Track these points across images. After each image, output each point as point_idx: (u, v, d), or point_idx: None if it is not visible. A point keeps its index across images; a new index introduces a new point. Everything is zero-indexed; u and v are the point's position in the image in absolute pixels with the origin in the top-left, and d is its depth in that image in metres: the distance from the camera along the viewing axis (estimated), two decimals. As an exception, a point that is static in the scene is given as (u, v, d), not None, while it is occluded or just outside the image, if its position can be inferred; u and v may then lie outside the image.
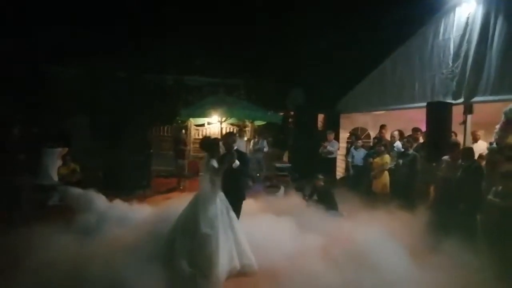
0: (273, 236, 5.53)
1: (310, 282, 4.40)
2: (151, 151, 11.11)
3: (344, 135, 11.77)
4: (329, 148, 10.51)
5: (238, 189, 5.37)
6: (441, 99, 7.43)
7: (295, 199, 8.21)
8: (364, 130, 11.87)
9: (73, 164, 8.44)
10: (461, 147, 6.37)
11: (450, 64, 7.31)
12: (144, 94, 12.44)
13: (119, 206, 7.13)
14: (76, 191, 7.49)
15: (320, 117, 12.76)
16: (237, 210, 5.22)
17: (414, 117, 8.74)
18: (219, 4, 15.52)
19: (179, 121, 12.04)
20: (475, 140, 7.23)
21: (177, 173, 10.81)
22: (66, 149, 8.99)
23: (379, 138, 9.42)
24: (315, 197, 7.93)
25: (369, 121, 11.32)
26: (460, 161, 5.89)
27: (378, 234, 5.58)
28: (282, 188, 9.23)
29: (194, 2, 15.54)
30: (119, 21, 13.68)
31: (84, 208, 6.84)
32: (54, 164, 8.56)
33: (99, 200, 7.15)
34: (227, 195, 4.95)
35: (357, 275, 4.48)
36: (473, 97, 6.75)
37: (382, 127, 9.70)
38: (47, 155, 8.75)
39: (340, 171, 11.49)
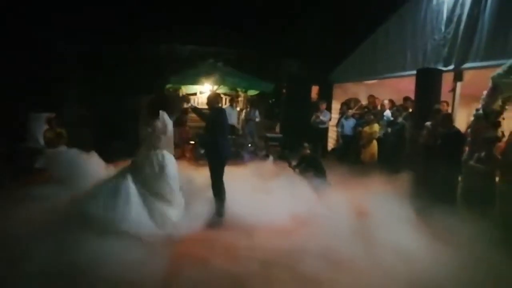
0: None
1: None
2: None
3: (337, 105, 11.63)
4: (321, 117, 10.44)
5: (214, 149, 5.28)
6: (432, 66, 7.26)
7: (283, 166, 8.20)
8: (357, 101, 11.71)
9: (59, 128, 8.33)
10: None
11: (443, 29, 7.09)
12: (135, 62, 12.24)
13: (105, 171, 7.14)
14: (62, 155, 7.43)
15: (315, 89, 12.60)
16: (214, 171, 5.18)
17: (407, 87, 8.55)
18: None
19: (171, 89, 11.86)
20: None
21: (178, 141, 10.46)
22: (53, 114, 8.87)
23: (369, 108, 9.34)
24: (303, 165, 7.88)
25: (362, 92, 11.15)
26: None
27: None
28: (271, 157, 9.18)
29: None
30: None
31: (69, 171, 6.83)
32: (41, 129, 8.47)
33: (84, 163, 7.11)
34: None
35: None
36: (464, 64, 6.58)
37: (370, 97, 9.59)
38: (33, 120, 8.72)
39: (332, 142, 11.44)
